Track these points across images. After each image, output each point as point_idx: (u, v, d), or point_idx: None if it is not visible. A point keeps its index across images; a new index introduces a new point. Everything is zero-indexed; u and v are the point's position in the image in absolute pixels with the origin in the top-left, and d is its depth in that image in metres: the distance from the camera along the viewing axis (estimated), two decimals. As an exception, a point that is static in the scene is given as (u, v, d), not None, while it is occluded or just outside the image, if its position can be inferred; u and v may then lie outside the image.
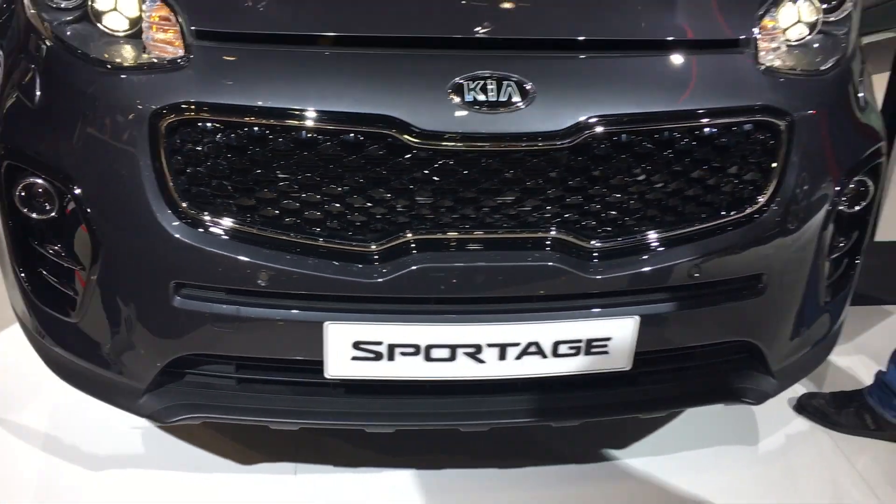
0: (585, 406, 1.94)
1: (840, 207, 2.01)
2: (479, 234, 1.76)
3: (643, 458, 2.31)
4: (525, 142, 1.69)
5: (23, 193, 1.84)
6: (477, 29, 1.73)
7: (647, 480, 2.24)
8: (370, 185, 1.71)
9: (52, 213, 1.83)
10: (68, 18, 1.82)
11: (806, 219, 1.91)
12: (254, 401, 1.89)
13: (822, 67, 1.94)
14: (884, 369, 2.36)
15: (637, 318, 1.82)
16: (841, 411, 2.46)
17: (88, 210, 1.76)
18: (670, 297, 1.85)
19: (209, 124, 1.67)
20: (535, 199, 1.75)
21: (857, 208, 2.06)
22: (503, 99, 1.68)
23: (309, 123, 1.66)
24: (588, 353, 1.84)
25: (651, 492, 2.21)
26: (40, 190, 1.82)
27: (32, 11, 1.85)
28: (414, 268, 1.73)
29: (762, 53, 1.87)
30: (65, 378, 2.00)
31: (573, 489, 2.20)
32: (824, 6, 2.02)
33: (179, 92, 1.68)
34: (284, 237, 1.73)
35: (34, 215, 1.85)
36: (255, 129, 1.67)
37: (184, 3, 1.74)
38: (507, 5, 1.82)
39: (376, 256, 1.73)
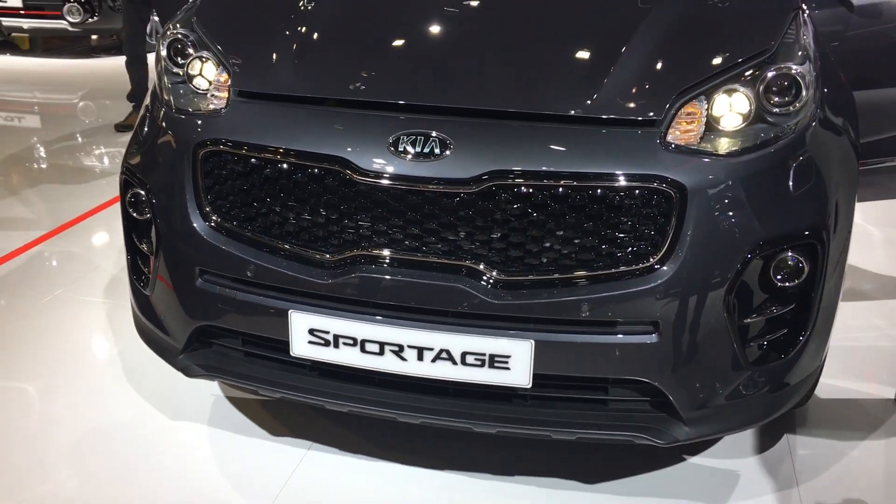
0: (498, 416, 2.29)
1: (764, 278, 2.21)
2: (407, 255, 2.23)
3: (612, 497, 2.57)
4: (441, 185, 2.16)
5: (132, 199, 2.61)
6: (416, 97, 2.26)
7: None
8: (328, 209, 2.26)
9: (145, 215, 2.57)
10: (177, 80, 2.59)
11: (703, 281, 2.15)
12: (252, 370, 2.47)
13: (741, 150, 2.19)
14: None
15: (532, 342, 2.17)
16: None
17: (156, 211, 2.48)
18: (563, 329, 2.18)
19: (225, 155, 2.34)
20: (451, 232, 2.19)
21: (790, 284, 2.24)
22: (427, 151, 2.17)
23: (290, 159, 2.26)
24: (492, 366, 2.21)
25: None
26: (140, 198, 2.57)
27: (159, 75, 2.65)
28: (355, 276, 2.23)
29: (674, 133, 2.18)
30: (141, 337, 2.72)
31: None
32: (775, 98, 2.27)
33: (214, 132, 2.37)
34: (268, 242, 2.33)
35: (135, 215, 2.61)
36: (254, 160, 2.31)
37: (234, 71, 2.44)
38: (447, 81, 2.32)
39: (329, 264, 2.27)
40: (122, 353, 3.31)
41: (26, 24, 9.37)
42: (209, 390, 3.04)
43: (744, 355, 2.25)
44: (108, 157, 6.11)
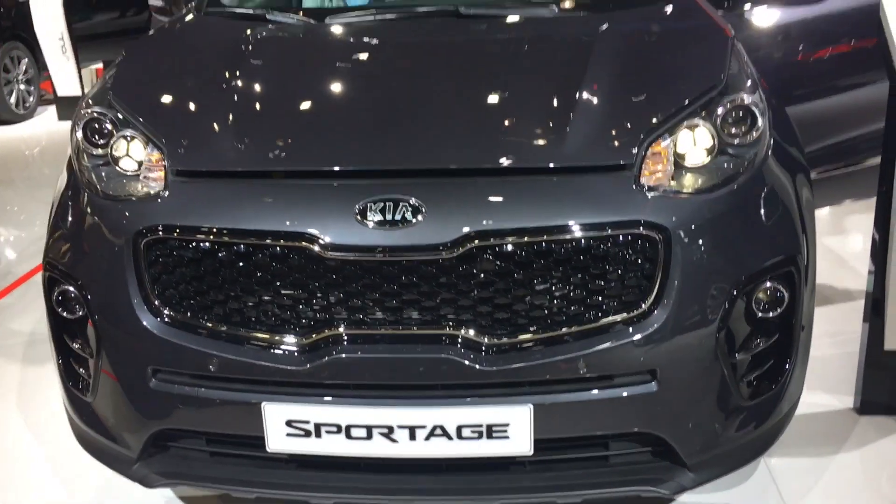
0: (498, 487, 2.16)
1: (748, 311, 2.17)
2: (387, 330, 2.08)
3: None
4: (417, 253, 2.02)
5: (60, 298, 2.35)
6: (379, 162, 2.13)
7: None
8: (295, 289, 2.09)
9: (77, 313, 2.32)
10: (99, 163, 2.35)
11: (696, 321, 2.08)
12: (221, 471, 2.26)
13: (712, 186, 2.15)
14: None
15: (530, 406, 2.05)
16: None
17: (93, 309, 2.23)
18: (561, 389, 2.07)
19: (172, 242, 2.13)
20: (433, 301, 2.06)
21: (772, 313, 2.21)
22: (398, 218, 2.03)
23: (247, 239, 2.08)
24: (490, 436, 2.08)
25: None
26: (69, 295, 2.32)
27: (76, 158, 2.41)
28: (332, 358, 2.06)
29: (646, 174, 2.12)
30: (86, 449, 2.45)
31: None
32: (733, 129, 2.24)
33: (156, 217, 2.15)
34: (230, 331, 2.13)
35: (66, 315, 2.35)
36: (207, 244, 2.11)
37: (168, 150, 2.24)
38: (408, 142, 2.20)
39: (302, 348, 2.09)
40: (55, 456, 3.00)
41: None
42: (158, 492, 2.77)
43: (739, 392, 2.20)
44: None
